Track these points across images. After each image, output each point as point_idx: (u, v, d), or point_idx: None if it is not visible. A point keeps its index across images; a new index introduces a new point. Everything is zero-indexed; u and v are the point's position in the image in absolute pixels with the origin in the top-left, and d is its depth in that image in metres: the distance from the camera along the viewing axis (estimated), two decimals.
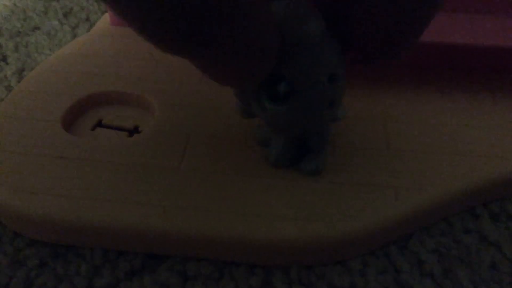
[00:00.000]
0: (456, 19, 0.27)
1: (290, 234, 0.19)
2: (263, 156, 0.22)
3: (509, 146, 0.23)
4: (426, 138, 0.23)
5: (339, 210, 0.20)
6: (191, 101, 0.25)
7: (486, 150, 0.22)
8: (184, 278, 0.19)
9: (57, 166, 0.21)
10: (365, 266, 0.20)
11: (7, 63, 0.30)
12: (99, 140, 0.23)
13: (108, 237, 0.20)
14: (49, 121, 0.24)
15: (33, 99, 0.25)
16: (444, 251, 0.20)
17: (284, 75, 0.18)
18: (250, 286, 0.19)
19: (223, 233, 0.19)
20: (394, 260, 0.20)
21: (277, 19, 0.17)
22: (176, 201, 0.20)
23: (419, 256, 0.20)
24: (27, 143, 0.22)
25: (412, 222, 0.20)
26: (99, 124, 0.25)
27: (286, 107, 0.18)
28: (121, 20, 0.14)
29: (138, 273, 0.19)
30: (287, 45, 0.17)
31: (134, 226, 0.19)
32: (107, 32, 0.30)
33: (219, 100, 0.25)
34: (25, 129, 0.23)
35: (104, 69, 0.27)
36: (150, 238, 0.19)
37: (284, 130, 0.20)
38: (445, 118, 0.24)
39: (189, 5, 0.12)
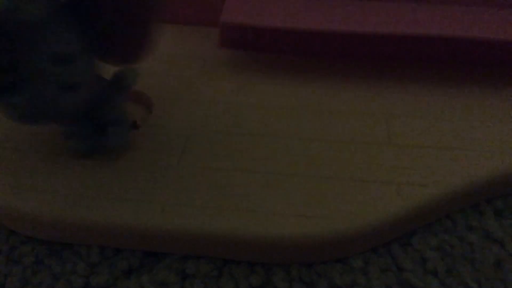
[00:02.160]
0: (458, 12, 0.27)
1: (291, 231, 0.19)
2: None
3: None
4: (428, 134, 0.23)
5: (341, 206, 0.19)
6: (190, 98, 0.25)
7: (489, 146, 0.22)
8: (182, 276, 0.19)
9: (53, 163, 0.21)
10: (367, 264, 0.19)
11: None
12: None
13: (106, 234, 0.19)
14: None
15: None
16: (447, 249, 0.20)
17: (3, 65, 0.16)
18: (250, 285, 0.19)
19: (222, 230, 0.19)
20: (396, 258, 0.19)
21: None
22: (175, 198, 0.20)
23: (422, 254, 0.19)
24: (22, 140, 0.22)
25: (414, 219, 0.20)
26: None
27: (16, 99, 0.16)
28: None
29: (136, 271, 0.19)
30: (5, 33, 0.15)
31: (132, 224, 0.19)
32: None
33: (219, 97, 0.25)
34: (20, 126, 0.23)
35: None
36: (149, 235, 0.19)
37: (35, 123, 0.18)
38: (447, 114, 0.24)
39: None
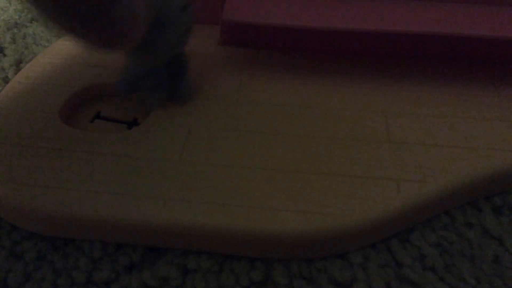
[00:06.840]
0: (458, 9, 0.27)
1: (291, 227, 0.19)
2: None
3: None
4: (427, 131, 0.23)
5: (340, 202, 0.19)
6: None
7: (488, 143, 0.22)
8: (184, 271, 0.19)
9: (55, 158, 0.21)
10: (366, 260, 0.19)
11: (4, 55, 0.30)
12: (98, 132, 0.23)
13: (107, 230, 0.19)
14: (47, 113, 0.23)
15: (30, 91, 0.25)
16: (446, 245, 0.20)
17: None
18: (251, 280, 0.19)
19: (223, 226, 0.19)
20: (395, 254, 0.20)
21: None
22: (176, 193, 0.20)
23: (421, 250, 0.20)
24: (25, 136, 0.22)
25: (413, 215, 0.20)
26: (98, 116, 0.25)
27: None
28: None
29: (137, 267, 0.19)
30: None
31: (133, 219, 0.19)
32: None
33: (220, 94, 0.25)
34: (22, 121, 0.23)
35: (102, 61, 0.27)
36: (150, 231, 0.19)
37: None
38: (446, 111, 0.24)
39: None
